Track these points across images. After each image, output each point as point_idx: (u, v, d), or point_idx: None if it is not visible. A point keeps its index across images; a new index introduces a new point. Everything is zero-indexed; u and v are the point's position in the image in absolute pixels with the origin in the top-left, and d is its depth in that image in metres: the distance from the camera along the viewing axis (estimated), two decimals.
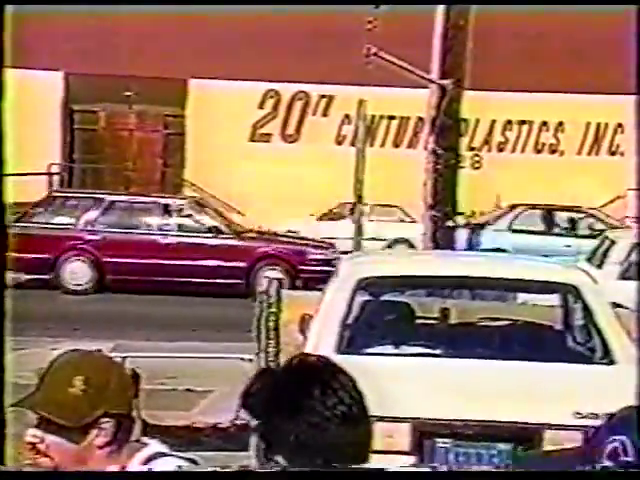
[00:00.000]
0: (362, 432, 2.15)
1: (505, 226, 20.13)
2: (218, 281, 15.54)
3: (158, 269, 15.85)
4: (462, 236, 16.67)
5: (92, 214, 16.65)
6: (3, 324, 3.77)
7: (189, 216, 16.47)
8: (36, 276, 16.22)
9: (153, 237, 16.40)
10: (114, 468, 2.48)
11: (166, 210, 16.75)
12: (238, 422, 7.54)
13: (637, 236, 13.10)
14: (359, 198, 12.83)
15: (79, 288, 16.08)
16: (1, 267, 4.09)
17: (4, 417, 3.62)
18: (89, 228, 16.58)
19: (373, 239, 17.74)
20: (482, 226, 20.26)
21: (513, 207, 21.15)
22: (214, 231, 16.48)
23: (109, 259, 16.15)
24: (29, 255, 15.85)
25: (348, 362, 5.90)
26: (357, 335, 5.96)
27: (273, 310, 7.39)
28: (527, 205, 21.00)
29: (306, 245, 16.12)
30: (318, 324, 5.82)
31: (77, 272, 16.21)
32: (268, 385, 2.16)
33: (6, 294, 3.95)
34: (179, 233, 16.48)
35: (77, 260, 16.28)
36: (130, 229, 16.60)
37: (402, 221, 21.47)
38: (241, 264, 15.91)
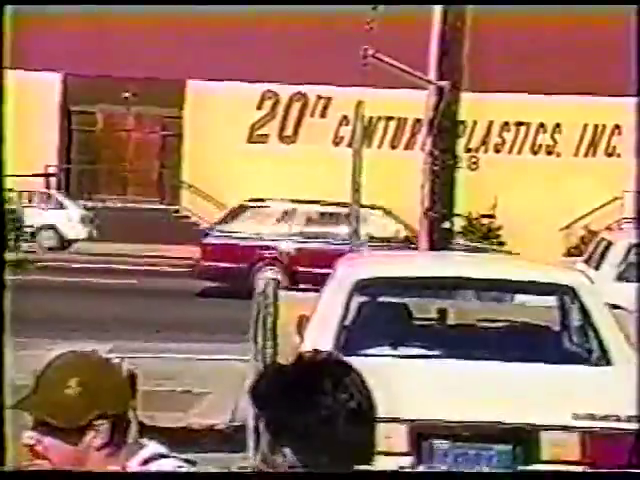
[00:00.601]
0: (369, 430, 2.17)
1: None
2: None
3: None
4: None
5: (284, 223, 16.74)
6: (2, 325, 3.77)
7: (380, 226, 16.48)
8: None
9: (344, 246, 16.27)
10: (112, 469, 2.48)
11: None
12: (235, 423, 7.54)
13: (635, 237, 13.10)
14: (356, 199, 12.84)
15: None
16: (1, 268, 4.09)
17: (3, 418, 3.62)
18: (282, 238, 16.54)
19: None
20: None
21: None
22: (406, 241, 16.43)
23: (301, 268, 16.15)
24: (224, 264, 15.79)
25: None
26: (354, 336, 5.96)
27: (270, 311, 7.39)
28: None
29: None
30: (315, 325, 5.81)
31: None
32: (278, 378, 2.17)
33: (5, 295, 3.95)
34: (370, 243, 16.42)
35: (270, 270, 16.32)
36: (321, 238, 16.54)
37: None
38: None
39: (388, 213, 17.46)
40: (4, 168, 4.13)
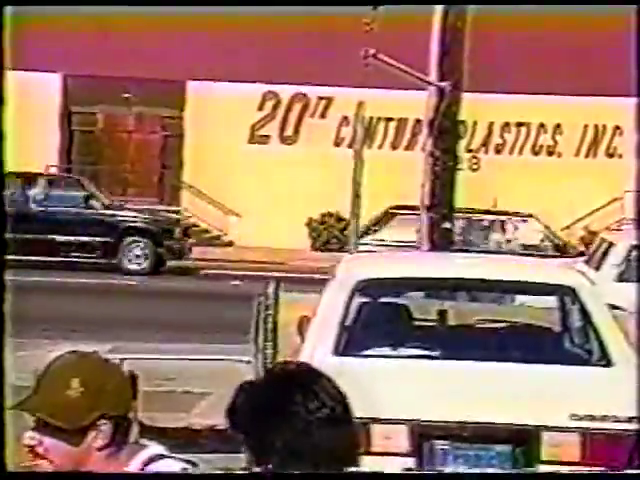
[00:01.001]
0: (348, 432, 2.18)
1: None
2: None
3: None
4: None
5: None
6: (3, 325, 3.77)
7: (530, 233, 16.19)
8: None
9: (494, 254, 15.90)
10: (113, 470, 2.48)
11: (503, 227, 16.53)
12: None
13: (635, 238, 13.10)
14: (357, 200, 12.85)
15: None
16: (1, 268, 4.09)
17: (4, 419, 3.62)
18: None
19: None
20: None
21: None
22: (558, 250, 16.14)
23: None
24: None
25: (346, 364, 5.91)
26: (355, 337, 5.96)
27: (271, 312, 7.40)
28: None
29: None
30: (316, 326, 5.82)
31: None
32: (250, 398, 2.18)
33: (6, 295, 3.95)
34: (524, 251, 16.11)
35: None
36: (469, 245, 16.39)
37: None
38: None
39: (538, 221, 17.20)
40: (4, 168, 4.14)
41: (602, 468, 5.20)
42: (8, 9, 4.44)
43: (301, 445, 2.11)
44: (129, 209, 21.11)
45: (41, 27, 23.58)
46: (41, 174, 21.84)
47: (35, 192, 20.22)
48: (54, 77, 25.71)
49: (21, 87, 24.38)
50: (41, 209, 19.92)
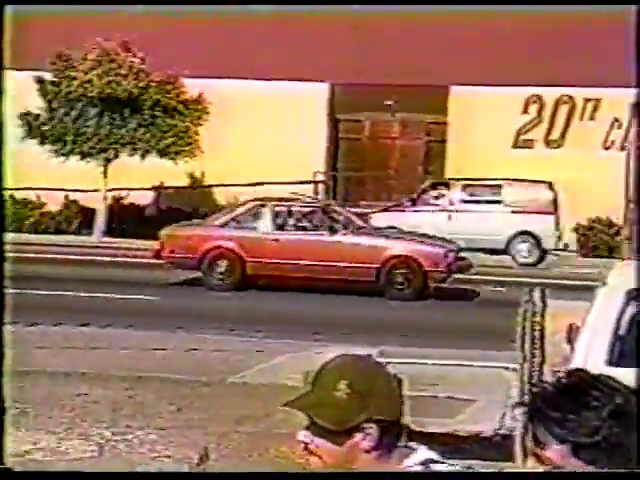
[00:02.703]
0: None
1: None
2: None
3: None
4: None
5: None
6: (2, 321, 3.90)
7: None
8: None
9: None
10: (385, 470, 2.48)
11: None
12: (502, 432, 7.43)
13: None
14: (629, 203, 12.32)
15: None
16: (1, 267, 4.25)
17: (4, 416, 3.73)
18: None
19: None
20: None
21: None
22: None
23: None
24: None
25: (620, 375, 5.61)
26: (629, 347, 5.70)
27: (538, 319, 7.23)
28: None
29: None
30: (587, 335, 5.62)
31: None
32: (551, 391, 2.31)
33: (6, 292, 4.09)
34: None
35: None
36: None
37: None
38: None
39: None
40: (5, 168, 4.30)
41: None
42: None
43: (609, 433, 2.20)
44: None
45: (306, 34, 24.33)
46: None
47: None
48: (322, 86, 26.50)
49: (290, 96, 25.31)
50: None
